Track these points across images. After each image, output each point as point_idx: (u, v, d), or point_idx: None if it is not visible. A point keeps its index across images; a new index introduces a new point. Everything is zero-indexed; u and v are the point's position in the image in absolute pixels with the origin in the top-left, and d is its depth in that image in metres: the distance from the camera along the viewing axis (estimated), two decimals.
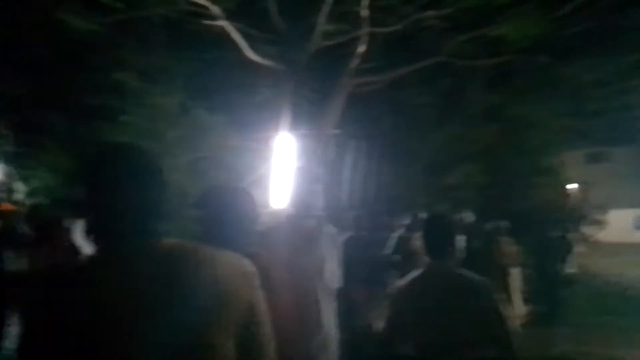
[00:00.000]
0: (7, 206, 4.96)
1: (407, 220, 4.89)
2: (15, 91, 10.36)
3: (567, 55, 7.63)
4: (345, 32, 7.08)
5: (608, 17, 6.96)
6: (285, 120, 7.03)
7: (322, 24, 6.75)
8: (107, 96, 8.36)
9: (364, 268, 5.03)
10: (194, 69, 8.93)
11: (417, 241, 4.78)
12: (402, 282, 2.32)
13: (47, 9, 7.53)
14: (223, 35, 7.75)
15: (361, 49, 7.01)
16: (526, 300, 5.28)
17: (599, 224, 13.71)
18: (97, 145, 1.26)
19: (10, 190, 11.33)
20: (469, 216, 5.94)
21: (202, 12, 7.07)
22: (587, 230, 12.60)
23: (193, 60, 8.93)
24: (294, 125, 7.01)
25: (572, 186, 14.55)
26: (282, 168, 6.36)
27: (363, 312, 4.93)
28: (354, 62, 7.10)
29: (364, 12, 6.74)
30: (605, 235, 14.26)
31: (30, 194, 10.53)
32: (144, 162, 1.18)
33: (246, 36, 7.09)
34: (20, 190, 11.14)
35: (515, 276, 5.10)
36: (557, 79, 7.49)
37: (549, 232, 6.46)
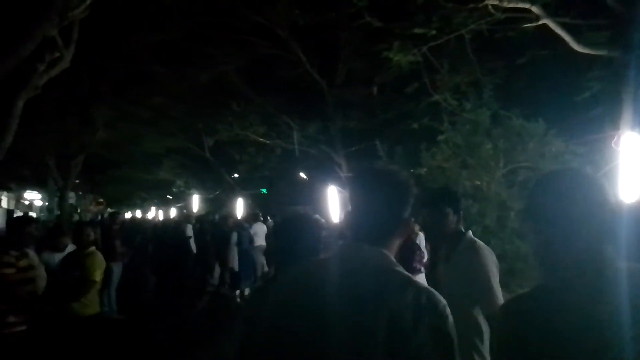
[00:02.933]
0: None
1: None
2: (348, 126, 12.63)
3: None
4: None
5: None
6: (627, 115, 5.89)
7: None
8: (424, 119, 9.08)
9: None
10: (504, 77, 8.68)
11: None
12: None
13: (373, 53, 8.85)
14: (537, 35, 7.24)
15: None
16: None
17: None
18: (541, 176, 1.30)
19: None
20: None
21: (517, 17, 6.80)
22: None
23: (502, 68, 8.70)
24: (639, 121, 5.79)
25: None
26: (628, 175, 5.31)
27: None
28: None
29: None
30: None
31: None
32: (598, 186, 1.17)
33: (569, 28, 6.39)
34: None
35: None
36: None
37: None
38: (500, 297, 2.43)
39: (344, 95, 12.51)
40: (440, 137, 8.50)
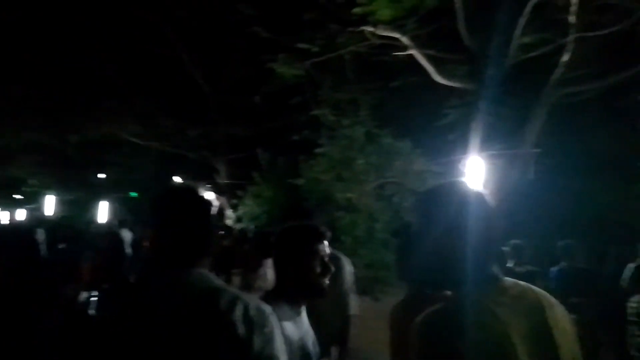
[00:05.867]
0: None
1: None
2: (232, 133, 12.45)
3: None
4: (548, 41, 6.54)
5: None
6: (475, 141, 6.72)
7: (519, 36, 6.35)
8: (305, 131, 9.33)
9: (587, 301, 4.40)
10: (379, 98, 9.33)
11: None
12: None
13: (260, 61, 8.89)
14: (409, 62, 7.93)
15: (565, 57, 6.34)
16: None
17: None
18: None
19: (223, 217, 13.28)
20: None
21: (391, 44, 7.37)
22: None
23: (379, 90, 9.34)
24: (486, 146, 6.64)
25: None
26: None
27: None
28: (557, 73, 6.45)
29: (571, 18, 6.10)
30: None
31: (237, 220, 12.03)
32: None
33: (434, 60, 7.12)
34: (229, 217, 12.85)
35: None
36: None
37: None
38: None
39: (229, 102, 12.32)
40: (318, 150, 8.80)
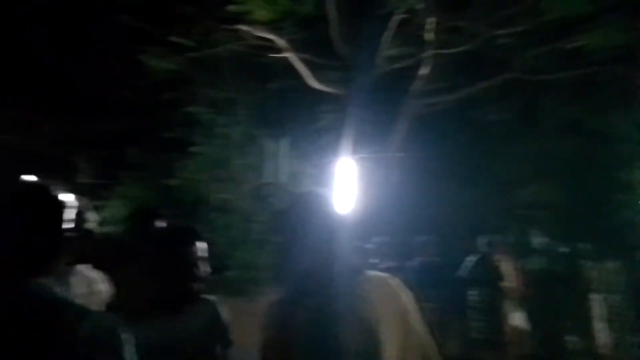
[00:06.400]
0: None
1: (484, 244, 4.73)
2: (96, 128, 11.31)
3: None
4: (410, 55, 7.17)
5: None
6: (347, 144, 7.11)
7: (385, 48, 6.88)
8: (179, 129, 8.90)
9: (439, 291, 4.90)
10: (258, 99, 9.29)
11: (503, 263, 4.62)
12: None
13: (129, 52, 8.25)
14: (287, 65, 8.05)
15: (424, 71, 7.03)
16: (615, 329, 4.91)
17: None
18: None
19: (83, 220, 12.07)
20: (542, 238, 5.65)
21: (268, 46, 7.40)
22: None
23: (257, 91, 9.30)
24: (356, 150, 7.07)
25: None
26: (342, 193, 6.42)
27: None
28: (417, 85, 7.13)
29: (429, 36, 6.79)
30: None
31: (101, 223, 11.06)
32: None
33: (309, 64, 7.33)
34: (92, 219, 11.73)
35: (599, 303, 4.81)
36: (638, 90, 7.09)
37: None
38: None
39: (93, 94, 11.23)
40: (193, 149, 8.51)
